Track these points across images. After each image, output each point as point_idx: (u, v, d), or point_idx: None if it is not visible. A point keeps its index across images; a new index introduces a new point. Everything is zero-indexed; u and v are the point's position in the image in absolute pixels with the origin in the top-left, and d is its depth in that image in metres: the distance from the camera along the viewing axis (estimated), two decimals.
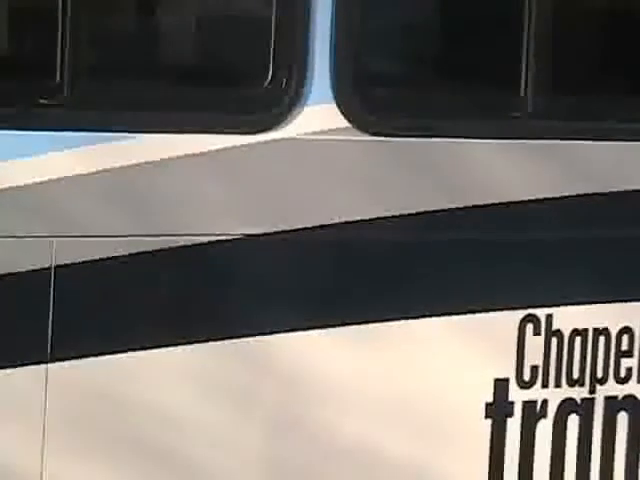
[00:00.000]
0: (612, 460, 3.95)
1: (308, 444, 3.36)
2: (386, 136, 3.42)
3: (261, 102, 3.31)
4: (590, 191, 3.68)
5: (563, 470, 3.89)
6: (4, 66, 3.17)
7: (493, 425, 3.76)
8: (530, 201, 3.56)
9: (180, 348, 3.18)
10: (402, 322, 3.47)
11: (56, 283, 3.00)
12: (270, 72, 3.31)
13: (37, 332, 3.06)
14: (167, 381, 3.16)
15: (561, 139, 3.65)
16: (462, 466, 3.75)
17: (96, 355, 3.10)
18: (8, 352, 3.03)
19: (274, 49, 3.29)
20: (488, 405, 3.73)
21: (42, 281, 3.00)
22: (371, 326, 3.38)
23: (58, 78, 3.06)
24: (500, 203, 3.52)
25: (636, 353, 4.00)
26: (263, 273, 3.28)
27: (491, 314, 3.66)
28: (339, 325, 3.30)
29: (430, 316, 3.50)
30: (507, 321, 3.72)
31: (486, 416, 3.72)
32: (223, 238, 3.23)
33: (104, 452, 3.11)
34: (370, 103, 3.41)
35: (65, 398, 3.07)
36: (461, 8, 3.73)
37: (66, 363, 3.07)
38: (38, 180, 3.00)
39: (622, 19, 3.91)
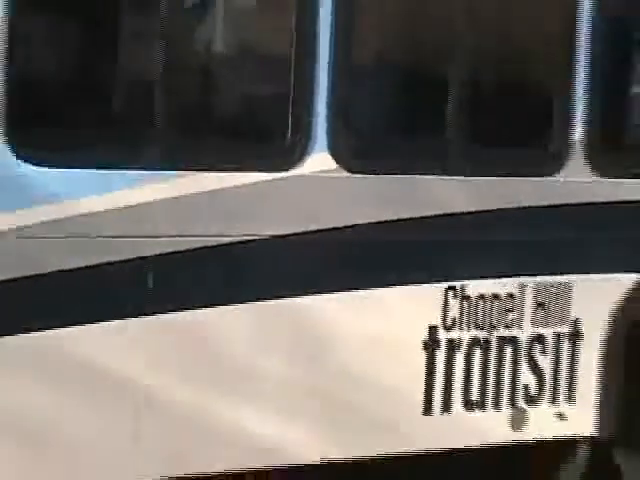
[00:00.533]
0: (501, 376, 5.19)
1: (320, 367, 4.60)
2: (360, 174, 4.70)
3: (285, 153, 4.57)
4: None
5: (471, 384, 5.11)
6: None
7: (427, 355, 5.00)
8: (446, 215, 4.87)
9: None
10: (374, 290, 4.71)
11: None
12: (290, 135, 4.55)
13: None
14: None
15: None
16: (408, 382, 4.95)
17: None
18: None
19: (292, 122, 4.54)
20: (424, 342, 4.98)
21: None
22: (358, 293, 4.63)
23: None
24: (432, 215, 4.83)
25: (516, 309, 5.23)
26: (279, 258, 4.50)
27: (428, 285, 4.95)
28: (345, 290, 4.58)
29: (393, 286, 4.75)
30: (437, 289, 4.99)
31: (423, 349, 4.97)
32: (255, 238, 4.44)
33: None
34: (350, 154, 4.68)
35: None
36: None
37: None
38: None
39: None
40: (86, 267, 4.06)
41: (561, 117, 5.36)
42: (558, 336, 5.39)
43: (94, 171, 4.08)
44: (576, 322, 5.45)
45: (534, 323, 5.30)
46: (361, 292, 4.73)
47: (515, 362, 5.28)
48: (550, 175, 5.26)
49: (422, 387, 5.02)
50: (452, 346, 5.08)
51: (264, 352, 4.53)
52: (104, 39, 4.29)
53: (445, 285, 5.01)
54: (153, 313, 4.21)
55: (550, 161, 5.33)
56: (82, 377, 4.11)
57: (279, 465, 4.63)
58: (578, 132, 5.34)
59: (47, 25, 4.22)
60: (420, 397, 5.01)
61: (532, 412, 5.39)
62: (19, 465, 4.00)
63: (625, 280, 5.47)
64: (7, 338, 3.93)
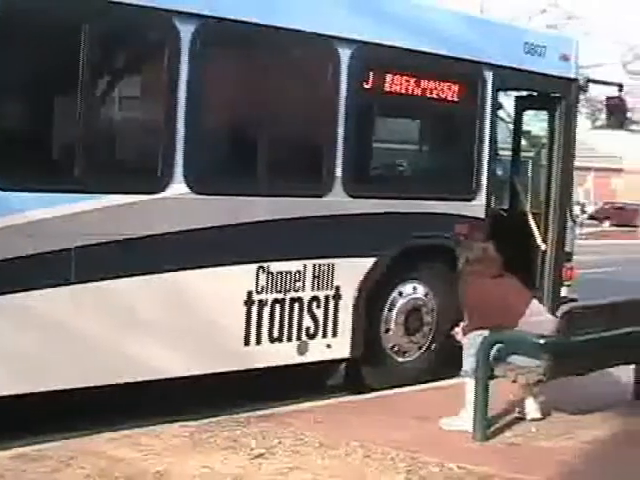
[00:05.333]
0: (292, 321, 6.84)
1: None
2: (205, 195, 6.42)
3: (157, 182, 6.27)
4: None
5: (273, 326, 6.73)
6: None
7: (246, 309, 6.66)
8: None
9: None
10: (220, 267, 6.39)
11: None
12: (159, 171, 6.28)
13: None
14: None
15: None
16: (236, 325, 6.65)
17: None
18: None
19: (161, 164, 6.27)
20: (244, 301, 6.64)
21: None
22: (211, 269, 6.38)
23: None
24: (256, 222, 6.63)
25: (304, 278, 6.83)
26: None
27: (248, 265, 6.65)
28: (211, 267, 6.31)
29: (231, 265, 6.44)
30: (252, 267, 6.68)
31: (244, 304, 6.64)
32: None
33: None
34: (198, 182, 6.36)
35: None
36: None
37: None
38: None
39: None
40: None
41: (328, 162, 7.19)
42: (326, 296, 7.09)
43: None
44: (337, 288, 7.22)
45: (312, 288, 6.98)
46: (213, 268, 6.49)
47: (300, 312, 6.96)
48: (322, 197, 7.14)
49: (243, 328, 6.71)
50: (263, 304, 6.75)
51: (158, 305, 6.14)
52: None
53: (256, 265, 6.74)
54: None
55: (323, 188, 7.19)
56: None
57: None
58: (339, 171, 7.24)
59: None
60: (242, 335, 6.68)
61: (311, 343, 7.09)
62: None
63: (366, 262, 7.44)
64: None
